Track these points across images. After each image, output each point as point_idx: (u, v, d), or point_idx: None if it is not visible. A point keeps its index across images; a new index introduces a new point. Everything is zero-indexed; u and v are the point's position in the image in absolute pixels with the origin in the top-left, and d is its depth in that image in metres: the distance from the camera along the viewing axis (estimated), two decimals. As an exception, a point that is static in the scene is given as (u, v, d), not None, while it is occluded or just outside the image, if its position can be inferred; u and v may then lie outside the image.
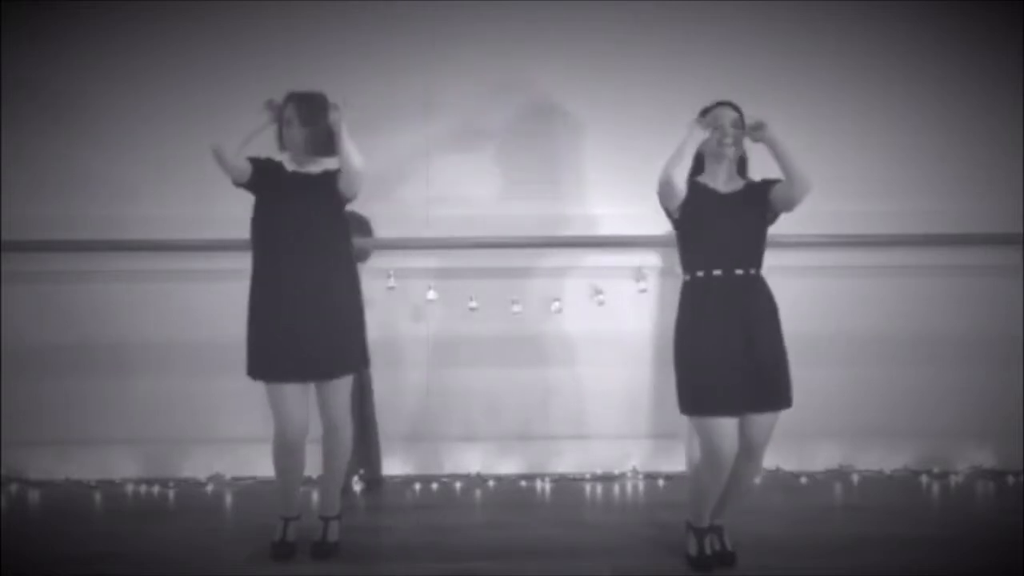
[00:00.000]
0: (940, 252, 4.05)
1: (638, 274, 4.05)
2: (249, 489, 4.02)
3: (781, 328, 3.07)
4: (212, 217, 3.82)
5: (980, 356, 4.11)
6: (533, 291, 4.09)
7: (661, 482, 4.10)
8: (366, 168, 3.15)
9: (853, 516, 3.70)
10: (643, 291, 4.06)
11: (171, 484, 4.05)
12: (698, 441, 3.10)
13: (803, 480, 4.08)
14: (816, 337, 3.98)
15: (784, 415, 3.05)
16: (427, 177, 4.09)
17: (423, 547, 3.39)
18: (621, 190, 3.98)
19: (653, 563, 3.23)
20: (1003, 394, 4.10)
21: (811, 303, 3.98)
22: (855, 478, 4.10)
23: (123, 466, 4.12)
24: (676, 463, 4.17)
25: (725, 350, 2.98)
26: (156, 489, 4.02)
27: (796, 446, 4.01)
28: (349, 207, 3.31)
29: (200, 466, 4.11)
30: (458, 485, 4.08)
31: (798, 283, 3.84)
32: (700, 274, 3.05)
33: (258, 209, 3.20)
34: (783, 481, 4.07)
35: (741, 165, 3.16)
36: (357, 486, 4.01)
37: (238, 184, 3.17)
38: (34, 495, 3.98)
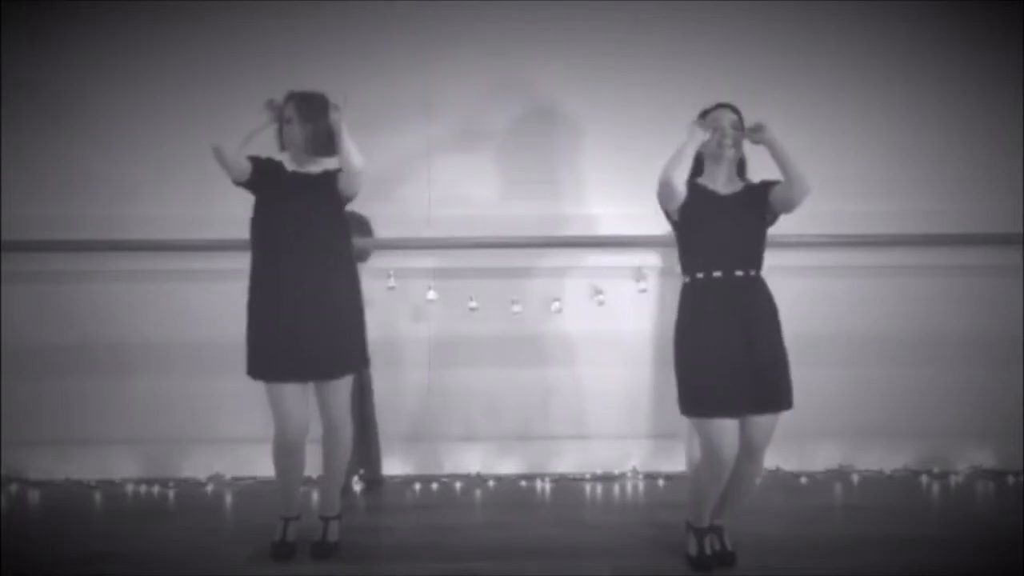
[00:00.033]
0: (940, 252, 4.05)
1: (638, 274, 4.05)
2: (249, 489, 4.02)
3: (781, 329, 3.07)
4: (212, 217, 3.82)
5: (980, 356, 4.11)
6: (533, 291, 4.09)
7: (661, 482, 4.10)
8: (366, 167, 3.16)
9: (853, 516, 3.70)
10: (643, 291, 4.06)
11: (171, 484, 4.05)
12: (698, 441, 3.10)
13: (803, 480, 4.08)
14: (816, 337, 3.98)
15: (784, 415, 3.05)
16: (427, 177, 4.09)
17: (423, 547, 3.39)
18: (621, 190, 3.98)
19: (653, 563, 3.23)
20: (1003, 394, 4.10)
21: (811, 303, 3.98)
22: (855, 478, 4.10)
23: (123, 466, 4.12)
24: (676, 463, 4.17)
25: (725, 351, 2.98)
26: (156, 489, 4.02)
27: (796, 446, 4.01)
28: (349, 207, 3.31)
29: (200, 466, 4.11)
30: (458, 485, 4.08)
31: (798, 283, 3.84)
32: (700, 276, 3.05)
33: (258, 209, 3.21)
34: (783, 481, 4.07)
35: (740, 167, 3.16)
36: (357, 486, 4.01)
37: (238, 183, 3.17)
38: (34, 495, 3.98)
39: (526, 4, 4.04)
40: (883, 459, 4.16)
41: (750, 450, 3.05)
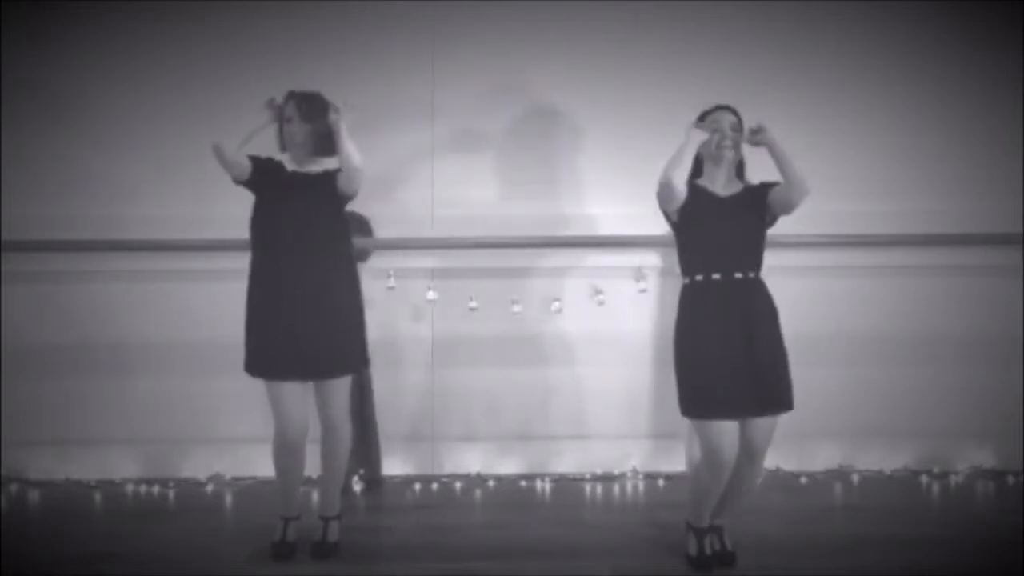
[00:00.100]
0: (940, 252, 4.05)
1: (638, 274, 4.05)
2: (249, 489, 4.02)
3: (781, 331, 3.07)
4: (212, 217, 3.82)
5: (980, 356, 4.11)
6: (533, 291, 4.09)
7: (661, 482, 4.10)
8: (366, 167, 3.15)
9: (853, 516, 3.70)
10: (643, 291, 4.06)
11: (171, 484, 4.05)
12: (698, 442, 3.10)
13: (803, 480, 4.08)
14: (816, 337, 3.98)
15: (784, 415, 3.04)
16: (427, 177, 4.09)
17: (423, 547, 3.39)
18: (621, 190, 3.98)
19: (653, 563, 3.23)
20: (1003, 394, 4.10)
21: (811, 303, 3.99)
22: (855, 478, 4.10)
23: (123, 466, 4.12)
24: (676, 463, 4.17)
25: (725, 353, 2.98)
26: (156, 489, 4.02)
27: (796, 446, 4.01)
28: (349, 207, 3.31)
29: (200, 466, 4.11)
30: (458, 485, 4.08)
31: (798, 283, 3.84)
32: (699, 278, 3.05)
33: (258, 208, 3.21)
34: (783, 481, 4.07)
35: (739, 168, 3.16)
36: (357, 486, 4.01)
37: (238, 182, 3.17)
38: (34, 495, 3.98)
39: (526, 4, 4.04)
40: (883, 459, 4.16)
41: (750, 452, 3.05)
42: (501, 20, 4.05)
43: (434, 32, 4.05)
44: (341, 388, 3.25)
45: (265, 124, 3.17)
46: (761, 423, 3.01)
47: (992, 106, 4.09)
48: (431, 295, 4.02)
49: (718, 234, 3.03)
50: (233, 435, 4.04)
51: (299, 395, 3.18)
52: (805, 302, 3.86)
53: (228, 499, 3.94)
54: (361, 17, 4.03)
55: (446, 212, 4.07)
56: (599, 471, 4.15)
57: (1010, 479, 4.06)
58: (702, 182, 3.10)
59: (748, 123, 3.05)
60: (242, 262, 3.23)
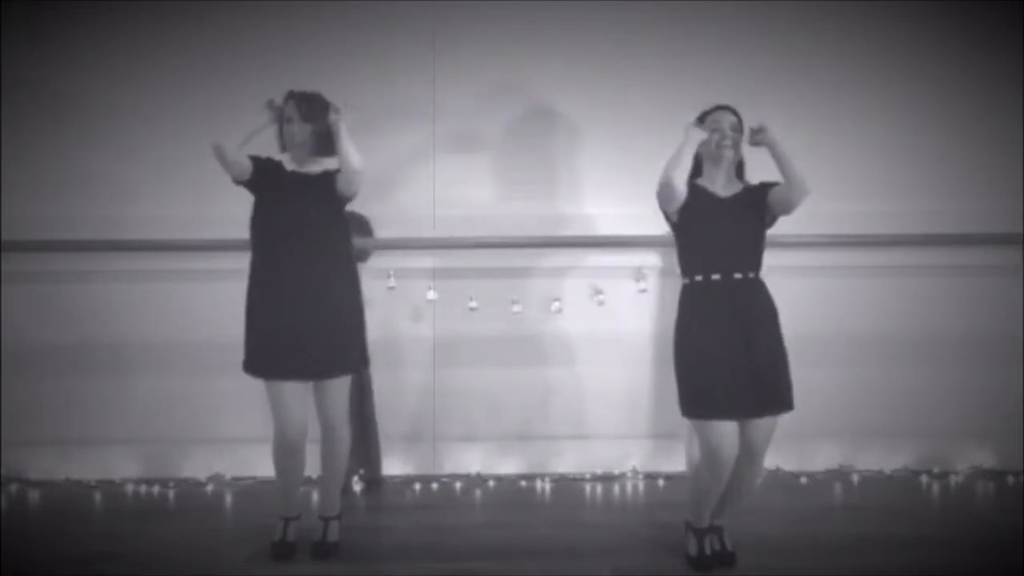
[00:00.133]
0: (940, 252, 4.05)
1: (638, 274, 4.05)
2: (249, 489, 4.02)
3: (781, 331, 3.07)
4: (212, 217, 3.82)
5: (980, 356, 4.11)
6: (533, 291, 4.09)
7: (661, 482, 4.10)
8: (365, 168, 3.15)
9: (853, 516, 3.70)
10: (643, 291, 4.06)
11: (171, 484, 4.05)
12: (698, 442, 3.10)
13: (803, 480, 4.08)
14: (816, 337, 3.98)
15: (784, 415, 3.04)
16: (427, 177, 4.08)
17: (423, 547, 3.39)
18: (621, 190, 3.98)
19: (653, 563, 3.23)
20: (1003, 394, 4.10)
21: (811, 303, 3.99)
22: (855, 478, 4.10)
23: (123, 466, 4.12)
24: (676, 463, 4.17)
25: (724, 353, 2.98)
26: (156, 489, 4.02)
27: (796, 446, 4.01)
28: (349, 207, 3.31)
29: (200, 466, 4.11)
30: (458, 485, 4.08)
31: (798, 283, 3.84)
32: (699, 278, 3.04)
33: (257, 209, 3.20)
34: (783, 481, 4.07)
35: (739, 169, 3.16)
36: (357, 486, 4.01)
37: (238, 182, 3.17)
38: (34, 495, 3.98)
39: (526, 4, 4.04)
40: (883, 459, 4.16)
41: (750, 452, 3.04)
42: (501, 20, 4.05)
43: (434, 32, 4.05)
44: (340, 389, 3.25)
45: (265, 125, 3.17)
46: (761, 423, 3.01)
47: (992, 106, 4.09)
48: (431, 295, 4.02)
49: (718, 234, 3.03)
50: (233, 435, 4.04)
51: (299, 395, 3.18)
52: (805, 302, 3.86)
53: (228, 499, 3.94)
54: (361, 17, 4.03)
55: (446, 212, 4.07)
56: (599, 471, 4.15)
57: (1010, 479, 4.06)
58: (702, 182, 3.10)
59: (748, 123, 3.06)
60: (242, 262, 3.23)
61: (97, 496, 3.97)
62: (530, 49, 4.06)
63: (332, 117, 3.11)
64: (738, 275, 3.02)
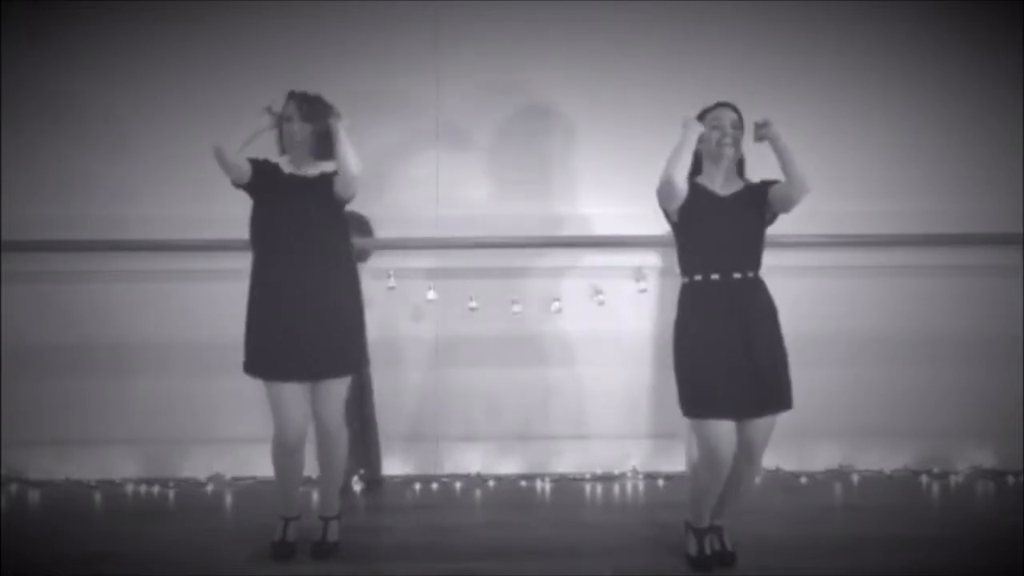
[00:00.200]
0: (940, 252, 4.05)
1: (638, 274, 4.05)
2: (249, 489, 4.02)
3: (781, 330, 3.07)
4: (212, 217, 3.82)
5: (980, 356, 4.11)
6: (533, 291, 4.09)
7: (661, 482, 4.10)
8: (363, 172, 3.15)
9: (853, 516, 3.70)
10: (643, 291, 4.06)
11: (171, 484, 4.05)
12: (696, 441, 3.10)
13: (803, 480, 4.08)
14: (816, 337, 3.98)
15: (784, 415, 3.05)
16: (428, 177, 4.08)
17: (423, 547, 3.39)
18: (621, 190, 3.98)
19: (653, 563, 3.23)
20: (1003, 394, 4.10)
21: (811, 303, 3.98)
22: (855, 478, 4.10)
23: (123, 466, 4.12)
24: (676, 463, 4.17)
25: (723, 352, 2.98)
26: (156, 489, 4.02)
27: (796, 446, 4.01)
28: (349, 207, 3.31)
29: (200, 466, 4.11)
30: (458, 485, 4.08)
31: (798, 283, 3.84)
32: (698, 277, 3.04)
33: (256, 211, 3.20)
34: (783, 481, 4.07)
35: (739, 166, 3.15)
36: (357, 486, 4.01)
37: (238, 185, 3.17)
38: (34, 495, 3.98)
39: (527, 4, 4.04)
40: (883, 459, 4.16)
41: (749, 451, 3.04)
42: (502, 20, 4.05)
43: (435, 32, 4.05)
44: (338, 392, 3.25)
45: (265, 128, 3.17)
46: (760, 422, 3.01)
47: (992, 106, 4.09)
48: (431, 295, 4.02)
49: (718, 233, 3.03)
50: (233, 435, 4.04)
51: (298, 396, 3.18)
52: (805, 302, 3.86)
53: (228, 499, 3.94)
54: (361, 17, 4.03)
55: (447, 212, 4.07)
56: (599, 471, 4.15)
57: (1010, 479, 4.06)
58: (702, 180, 3.10)
59: (748, 122, 3.05)
60: (242, 262, 3.23)
61: (97, 496, 3.97)
62: (530, 49, 4.06)
63: (333, 121, 3.12)
64: (737, 274, 3.02)
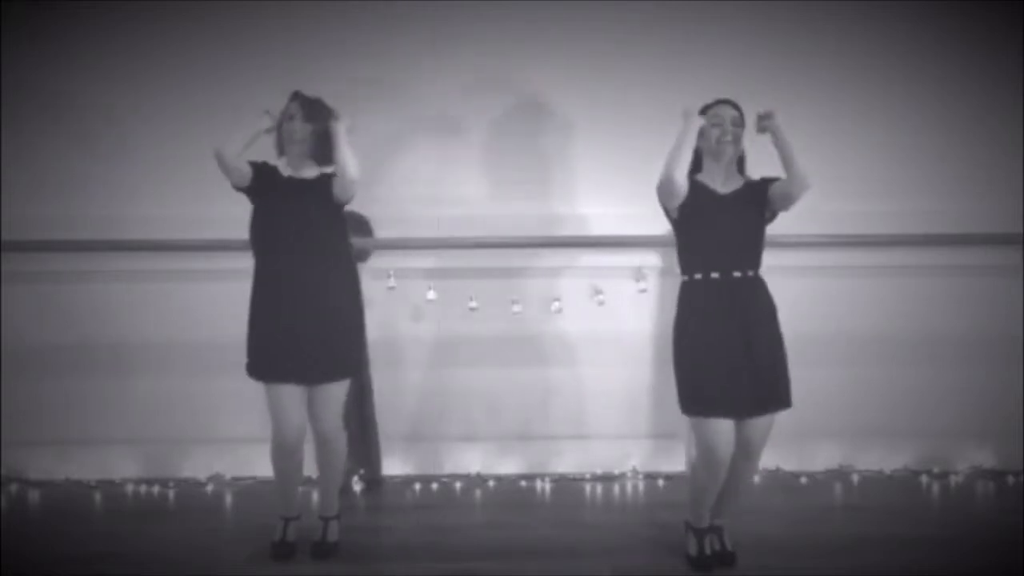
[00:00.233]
0: (940, 252, 4.05)
1: (638, 274, 4.05)
2: (249, 489, 4.03)
3: (780, 330, 3.07)
4: (212, 217, 3.81)
5: (980, 356, 4.11)
6: (533, 291, 4.09)
7: (661, 482, 4.10)
8: (361, 175, 3.15)
9: (853, 516, 3.70)
10: (643, 291, 4.06)
11: (171, 484, 4.05)
12: (695, 440, 3.10)
13: (803, 480, 4.08)
14: (816, 337, 3.98)
15: (784, 415, 3.05)
16: (428, 177, 4.08)
17: (423, 547, 3.39)
18: (620, 189, 3.97)
19: (653, 563, 3.23)
20: (1003, 394, 4.10)
21: (811, 303, 3.98)
22: (855, 478, 4.10)
23: (123, 466, 4.12)
24: (676, 463, 4.17)
25: (723, 351, 2.98)
26: (156, 489, 4.02)
27: (796, 446, 4.01)
28: (349, 207, 3.31)
29: (200, 466, 4.11)
30: (458, 485, 4.08)
31: (798, 283, 3.84)
32: (698, 276, 3.04)
33: (256, 213, 3.20)
34: (783, 481, 4.07)
35: (739, 163, 3.15)
36: (357, 486, 4.01)
37: (238, 188, 3.17)
38: (34, 495, 3.98)
39: (526, 4, 4.04)
40: (883, 459, 4.16)
41: (747, 450, 3.05)
42: (501, 20, 4.04)
43: (435, 32, 4.04)
44: (336, 397, 3.24)
45: (264, 130, 3.17)
46: (759, 421, 3.01)
47: (992, 106, 4.09)
48: (431, 295, 4.02)
49: (718, 231, 3.03)
50: (233, 435, 4.04)
51: (297, 398, 3.18)
52: (805, 302, 3.85)
53: (228, 499, 3.94)
54: (361, 17, 4.03)
55: (446, 212, 4.06)
56: (599, 471, 4.15)
57: (1010, 479, 4.06)
58: (702, 178, 3.10)
59: (748, 119, 3.05)
60: (242, 262, 3.23)
61: (97, 496, 3.97)
62: (530, 49, 4.06)
63: (333, 123, 3.12)
64: (737, 273, 3.02)
